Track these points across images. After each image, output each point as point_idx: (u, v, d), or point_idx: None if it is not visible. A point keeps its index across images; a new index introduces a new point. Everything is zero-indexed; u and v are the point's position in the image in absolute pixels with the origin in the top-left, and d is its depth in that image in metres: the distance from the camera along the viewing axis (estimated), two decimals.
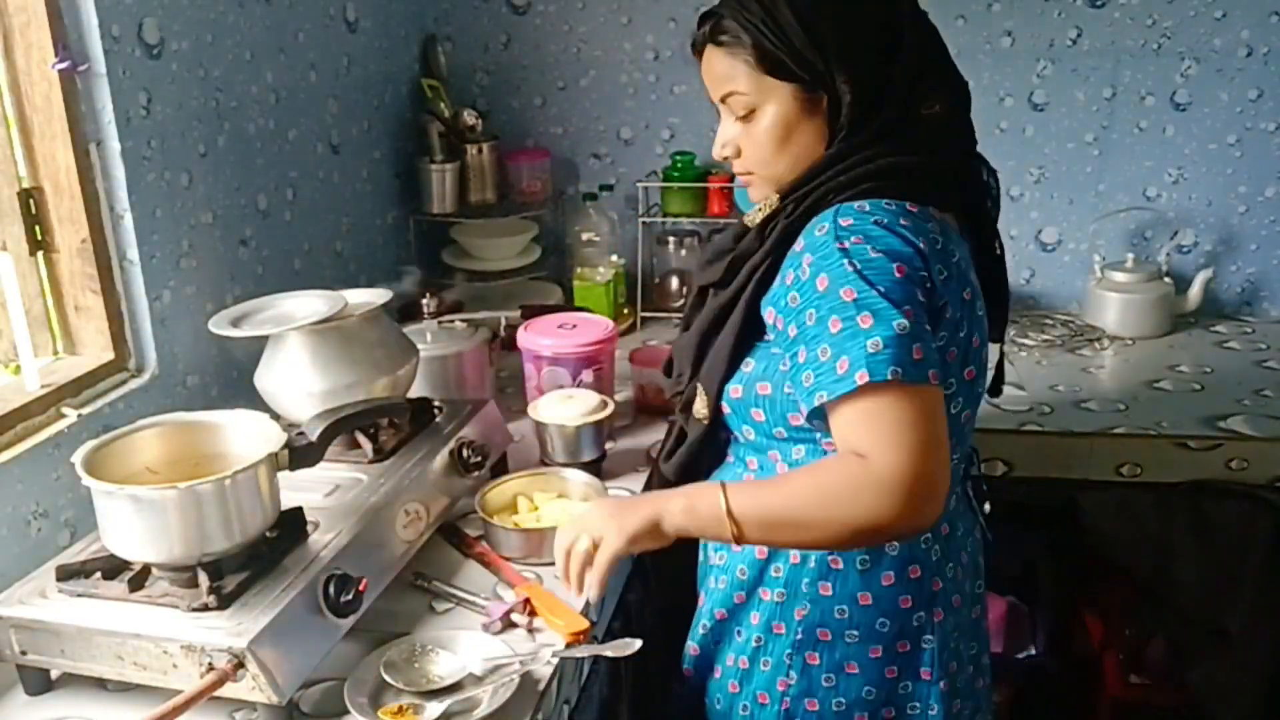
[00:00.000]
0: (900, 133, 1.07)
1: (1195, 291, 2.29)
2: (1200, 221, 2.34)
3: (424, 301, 1.79)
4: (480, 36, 2.43)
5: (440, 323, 1.76)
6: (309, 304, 1.42)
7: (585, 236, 2.35)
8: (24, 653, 1.09)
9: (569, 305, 2.24)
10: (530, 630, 1.23)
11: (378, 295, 1.48)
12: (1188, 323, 2.32)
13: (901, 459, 0.95)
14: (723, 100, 1.13)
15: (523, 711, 1.10)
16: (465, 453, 1.44)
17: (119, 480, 1.09)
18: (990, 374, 1.24)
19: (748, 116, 1.11)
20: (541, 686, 1.13)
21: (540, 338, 1.73)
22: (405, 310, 1.92)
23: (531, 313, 1.88)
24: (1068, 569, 2.06)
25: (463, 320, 1.79)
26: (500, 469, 1.55)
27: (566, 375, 1.70)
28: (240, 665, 1.01)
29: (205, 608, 1.06)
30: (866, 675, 1.17)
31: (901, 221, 1.03)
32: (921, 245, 1.02)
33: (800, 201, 1.09)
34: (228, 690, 1.02)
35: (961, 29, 2.28)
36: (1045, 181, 2.36)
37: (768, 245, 1.11)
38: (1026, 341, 2.24)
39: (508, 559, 1.37)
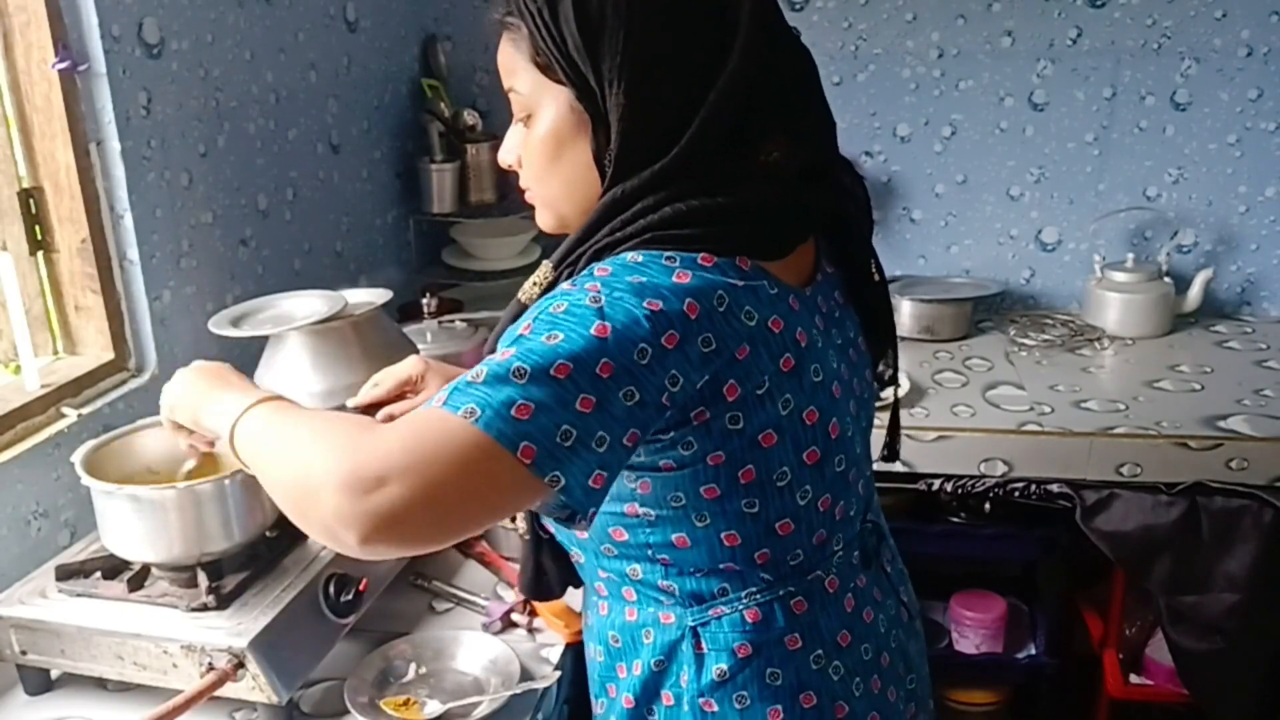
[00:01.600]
0: (701, 176, 0.86)
1: (1195, 291, 2.28)
2: (1200, 221, 2.34)
3: (424, 301, 1.79)
4: (480, 36, 2.42)
5: (440, 323, 1.76)
6: (309, 304, 1.43)
7: None
8: (24, 653, 1.10)
9: None
10: (530, 630, 1.23)
11: (378, 295, 1.49)
12: (1188, 323, 2.32)
13: (392, 454, 0.74)
14: (507, 95, 0.95)
15: (523, 711, 1.10)
16: None
17: (119, 480, 1.09)
18: (874, 436, 1.07)
19: (527, 120, 0.93)
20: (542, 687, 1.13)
21: None
22: (405, 310, 1.92)
23: None
24: (1068, 569, 2.06)
25: (463, 320, 1.79)
26: None
27: None
28: (240, 665, 1.01)
29: (205, 607, 1.06)
30: None
31: (676, 276, 0.82)
32: (685, 309, 0.81)
33: (574, 267, 0.89)
34: (228, 690, 1.02)
35: (961, 29, 2.28)
36: (1045, 181, 2.36)
37: None
38: (1026, 341, 2.24)
39: (508, 559, 1.37)
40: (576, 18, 0.85)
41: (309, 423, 0.83)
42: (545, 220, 0.98)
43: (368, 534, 0.74)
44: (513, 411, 0.75)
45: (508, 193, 2.37)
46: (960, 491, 1.88)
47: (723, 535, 0.92)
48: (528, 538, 1.04)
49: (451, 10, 2.40)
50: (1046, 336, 2.25)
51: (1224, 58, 2.22)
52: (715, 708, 0.96)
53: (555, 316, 0.80)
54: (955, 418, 1.89)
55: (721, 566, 0.94)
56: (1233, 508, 1.76)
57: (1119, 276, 2.28)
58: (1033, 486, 1.85)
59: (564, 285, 0.84)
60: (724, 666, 0.96)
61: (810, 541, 0.96)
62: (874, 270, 1.04)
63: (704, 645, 0.96)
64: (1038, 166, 2.35)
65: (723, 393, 0.84)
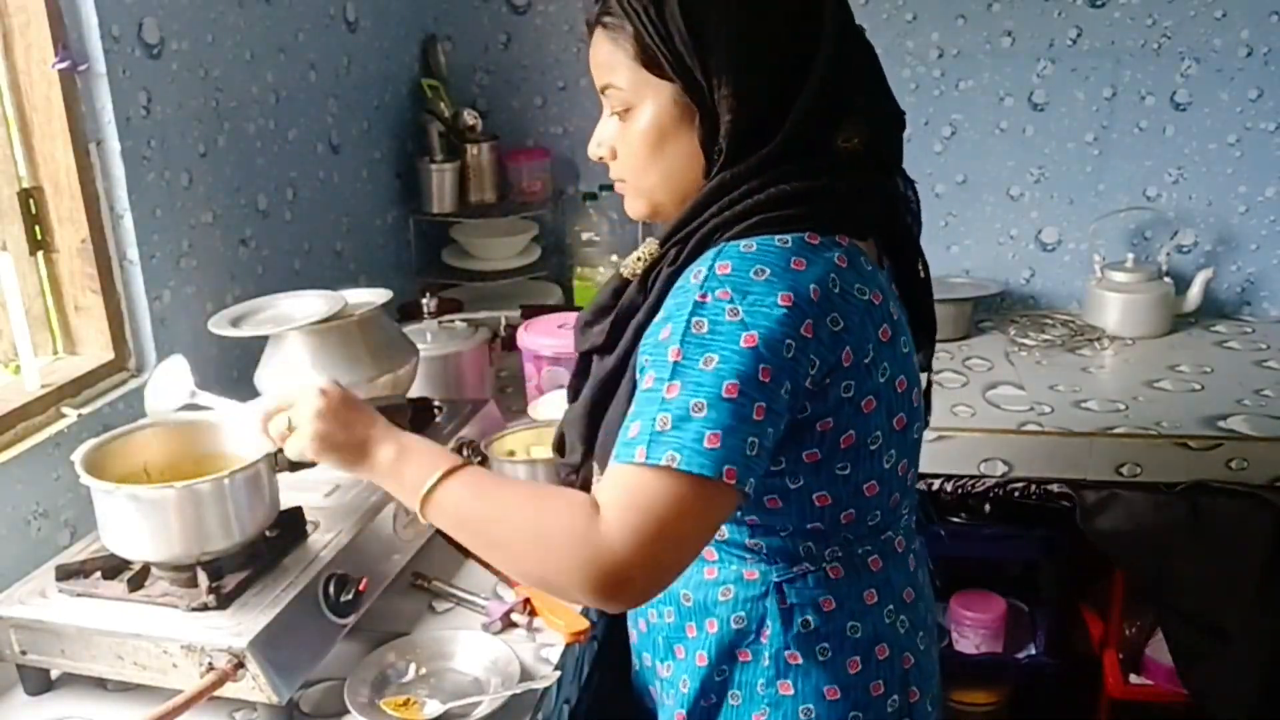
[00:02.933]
0: (798, 160, 0.92)
1: (1195, 291, 2.28)
2: (1200, 221, 2.34)
3: (424, 301, 1.79)
4: (480, 36, 2.43)
5: (440, 323, 1.76)
6: (309, 304, 1.43)
7: (585, 236, 2.35)
8: (24, 653, 1.10)
9: (569, 305, 2.24)
10: (530, 630, 1.23)
11: (378, 295, 1.49)
12: (1188, 323, 2.32)
13: (628, 546, 0.82)
14: (603, 91, 0.99)
15: (523, 711, 1.10)
16: (466, 453, 1.44)
17: (119, 480, 1.09)
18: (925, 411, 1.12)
19: (625, 114, 0.98)
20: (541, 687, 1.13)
21: (540, 338, 1.73)
22: (405, 310, 1.92)
23: (531, 313, 1.88)
24: (1068, 569, 2.06)
25: (463, 320, 1.79)
26: None
27: (566, 375, 1.69)
28: (240, 665, 1.01)
29: (205, 607, 1.06)
30: None
31: (793, 263, 0.88)
32: (811, 294, 0.87)
33: (683, 245, 0.94)
34: (228, 690, 1.02)
35: (961, 29, 2.28)
36: (1045, 181, 2.36)
37: (651, 299, 0.96)
38: (1026, 341, 2.24)
39: None
40: (683, 15, 0.90)
41: (521, 511, 0.90)
42: (638, 208, 1.03)
43: (625, 608, 0.90)
44: (705, 444, 0.83)
45: (507, 193, 2.38)
46: (960, 491, 1.88)
47: (815, 496, 0.97)
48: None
49: (451, 10, 2.40)
50: (1046, 336, 2.25)
51: (1224, 58, 2.22)
52: (800, 660, 1.02)
53: (702, 338, 0.85)
54: (955, 418, 1.89)
55: (809, 526, 0.99)
56: (1233, 508, 1.76)
57: (1119, 276, 2.28)
58: (1033, 486, 1.85)
59: (691, 284, 0.88)
60: (810, 619, 1.01)
61: (888, 503, 1.02)
62: (920, 268, 1.09)
63: (789, 600, 1.01)
64: (1038, 166, 2.35)
65: (841, 361, 0.90)
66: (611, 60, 0.96)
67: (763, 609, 1.02)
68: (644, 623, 1.14)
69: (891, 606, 1.04)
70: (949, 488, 1.88)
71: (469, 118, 2.27)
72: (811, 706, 1.03)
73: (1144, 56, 2.24)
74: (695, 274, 0.90)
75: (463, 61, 2.43)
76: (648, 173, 0.99)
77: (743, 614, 1.03)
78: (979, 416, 1.90)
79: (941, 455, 1.85)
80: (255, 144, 1.72)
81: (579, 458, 1.05)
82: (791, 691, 1.03)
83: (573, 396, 1.08)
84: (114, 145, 1.40)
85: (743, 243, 0.90)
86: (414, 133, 2.29)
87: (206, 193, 1.60)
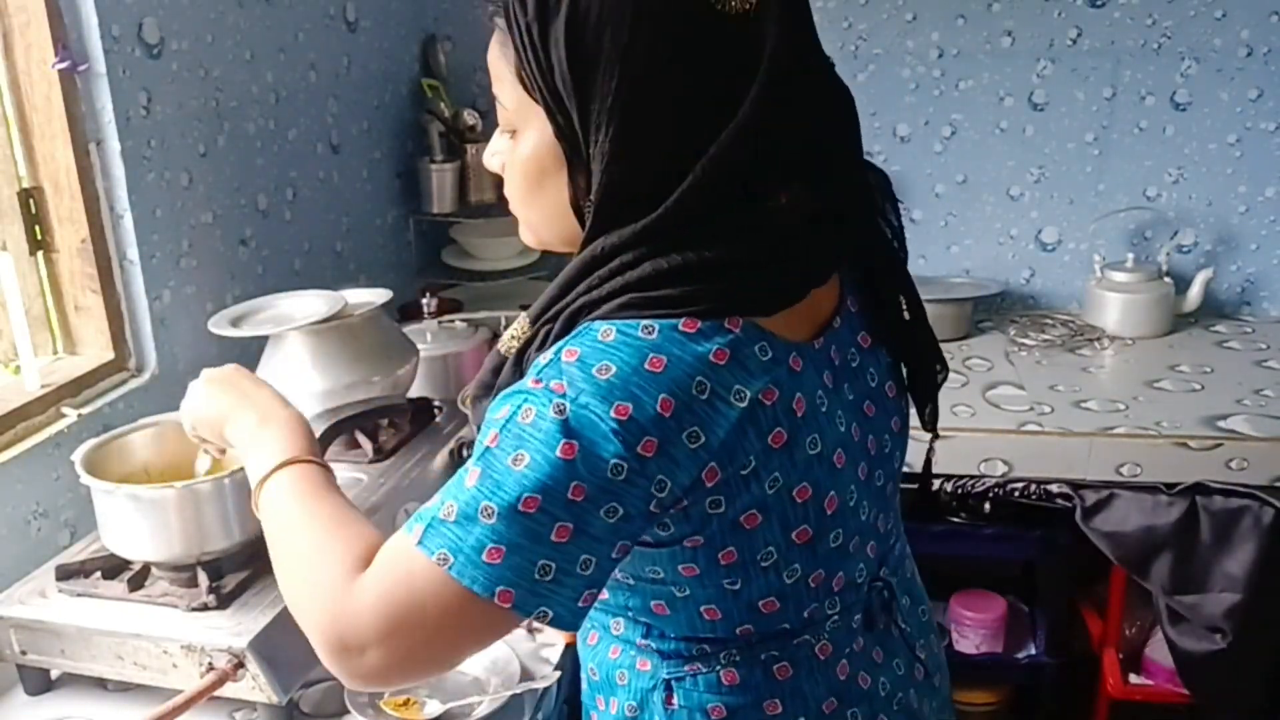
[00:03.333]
0: (699, 227, 0.76)
1: (1195, 291, 2.28)
2: (1200, 221, 2.34)
3: (424, 301, 1.79)
4: (480, 36, 2.39)
5: (440, 323, 1.76)
6: (309, 304, 1.43)
7: None
8: (24, 653, 1.10)
9: None
10: (530, 630, 1.23)
11: (378, 295, 1.49)
12: (1188, 323, 2.32)
13: (372, 622, 0.75)
14: (496, 100, 0.86)
15: (523, 711, 1.10)
16: (465, 453, 1.44)
17: (119, 480, 1.09)
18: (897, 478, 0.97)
19: (512, 135, 0.84)
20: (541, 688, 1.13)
21: None
22: (405, 310, 1.92)
23: None
24: (1068, 569, 2.06)
25: (463, 320, 1.79)
26: None
27: None
28: (240, 665, 1.01)
29: (205, 607, 1.06)
30: None
31: (649, 363, 0.72)
32: (659, 409, 0.72)
33: (552, 324, 0.79)
34: (228, 690, 1.02)
35: (961, 29, 2.28)
36: (1045, 181, 2.36)
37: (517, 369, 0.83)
38: (1026, 341, 2.24)
39: None
40: (568, 43, 0.74)
41: (308, 538, 0.83)
42: (526, 237, 0.91)
43: (354, 683, 0.80)
44: (484, 556, 0.72)
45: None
46: (960, 491, 1.88)
47: (702, 609, 0.86)
48: None
49: (451, 10, 2.40)
50: (1046, 336, 2.25)
51: (1224, 58, 2.22)
52: None
53: (522, 429, 0.73)
54: (955, 418, 1.89)
55: (701, 636, 0.88)
56: (1233, 508, 1.76)
57: (1119, 276, 2.28)
58: (1033, 486, 1.85)
59: (538, 363, 0.76)
60: None
61: (800, 615, 0.87)
62: (905, 308, 0.93)
63: (675, 701, 0.89)
64: (1038, 166, 2.35)
65: (702, 479, 0.76)
66: (499, 71, 0.83)
67: (652, 705, 0.91)
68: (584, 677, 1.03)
69: (802, 719, 0.89)
70: (949, 488, 1.88)
71: (469, 118, 2.27)
72: None
73: (1144, 56, 2.24)
74: (545, 355, 0.77)
75: (463, 61, 2.42)
76: (529, 207, 0.86)
77: (634, 703, 0.92)
78: (979, 416, 1.90)
79: (941, 455, 1.85)
80: (255, 144, 1.72)
81: None
82: None
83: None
84: (114, 145, 1.40)
85: (603, 327, 0.75)
86: (414, 133, 2.29)
87: (206, 193, 1.60)
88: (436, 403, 1.53)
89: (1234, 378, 2.04)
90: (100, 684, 1.13)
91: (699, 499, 0.77)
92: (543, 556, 0.73)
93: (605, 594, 0.89)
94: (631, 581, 0.87)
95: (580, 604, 0.75)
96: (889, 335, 0.92)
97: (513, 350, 0.82)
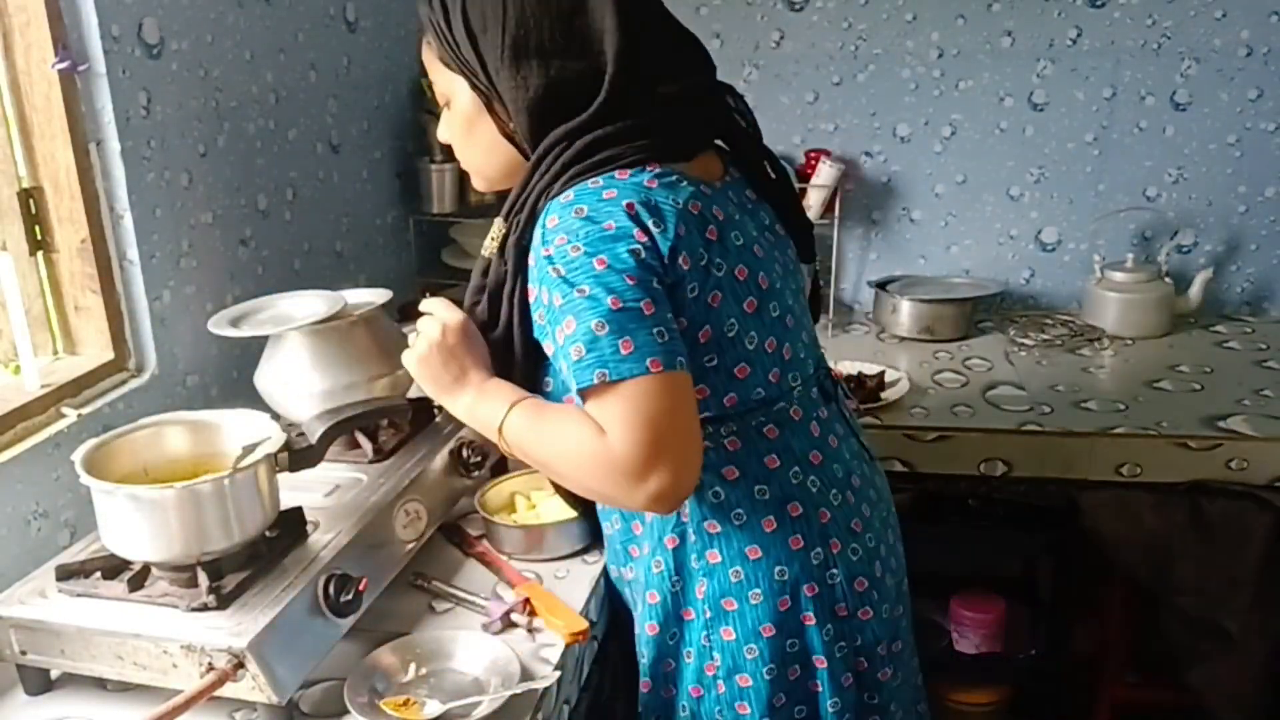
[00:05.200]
0: (612, 119, 1.06)
1: (1195, 291, 2.29)
2: (1200, 221, 2.34)
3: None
4: None
5: None
6: (309, 304, 1.43)
7: None
8: (24, 653, 1.09)
9: None
10: (530, 630, 1.23)
11: (378, 295, 1.49)
12: (1188, 323, 2.32)
13: (631, 449, 0.96)
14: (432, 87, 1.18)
15: (523, 711, 1.10)
16: (465, 453, 1.44)
17: (119, 480, 1.09)
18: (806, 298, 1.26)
19: (447, 105, 1.16)
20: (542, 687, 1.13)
21: None
22: (405, 310, 1.92)
23: None
24: (1068, 569, 2.06)
25: None
26: (500, 469, 1.55)
27: None
28: (240, 665, 1.01)
29: (205, 607, 1.06)
30: (782, 631, 1.15)
31: (605, 195, 1.02)
32: (626, 211, 1.00)
33: (519, 214, 1.09)
34: (228, 690, 1.02)
35: (961, 29, 2.28)
36: (1045, 181, 2.36)
37: (510, 265, 1.10)
38: (1026, 341, 2.24)
39: (509, 555, 1.37)
40: (464, 22, 1.07)
41: (557, 441, 1.04)
42: (477, 183, 1.21)
43: (663, 505, 1.00)
44: (621, 351, 0.96)
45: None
46: (960, 491, 1.88)
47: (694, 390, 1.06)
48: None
49: None
50: (1046, 336, 2.26)
51: (1224, 58, 2.22)
52: (719, 528, 1.14)
53: (565, 279, 0.99)
54: (955, 418, 1.89)
55: (700, 415, 1.06)
56: (1233, 508, 1.76)
57: (1119, 276, 2.28)
58: (1033, 486, 1.85)
59: (535, 247, 1.03)
60: (719, 489, 1.13)
61: (767, 379, 1.12)
62: (770, 171, 1.22)
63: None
64: (1038, 166, 2.35)
65: (679, 263, 1.02)
66: (428, 61, 1.15)
67: None
68: (604, 538, 1.31)
69: (797, 469, 1.14)
70: (949, 488, 1.88)
71: None
72: (739, 568, 1.14)
73: (1144, 56, 2.24)
74: (535, 238, 1.04)
75: None
76: (470, 152, 1.17)
77: None
78: (979, 416, 1.90)
79: (942, 455, 1.85)
80: (255, 144, 1.72)
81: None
82: (719, 559, 1.15)
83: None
84: (114, 145, 1.40)
85: (561, 196, 1.03)
86: (414, 133, 2.29)
87: (206, 193, 1.60)
88: (436, 403, 1.52)
89: (1234, 378, 2.04)
90: (100, 684, 1.13)
91: (682, 285, 1.03)
92: (652, 326, 0.98)
93: None
94: None
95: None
96: (764, 192, 1.21)
97: (493, 250, 1.12)
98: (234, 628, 1.03)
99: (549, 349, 1.06)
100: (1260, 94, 2.23)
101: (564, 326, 0.99)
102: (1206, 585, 1.79)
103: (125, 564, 1.12)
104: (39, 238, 1.40)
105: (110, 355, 1.46)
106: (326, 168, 1.97)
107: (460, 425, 1.47)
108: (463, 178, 2.27)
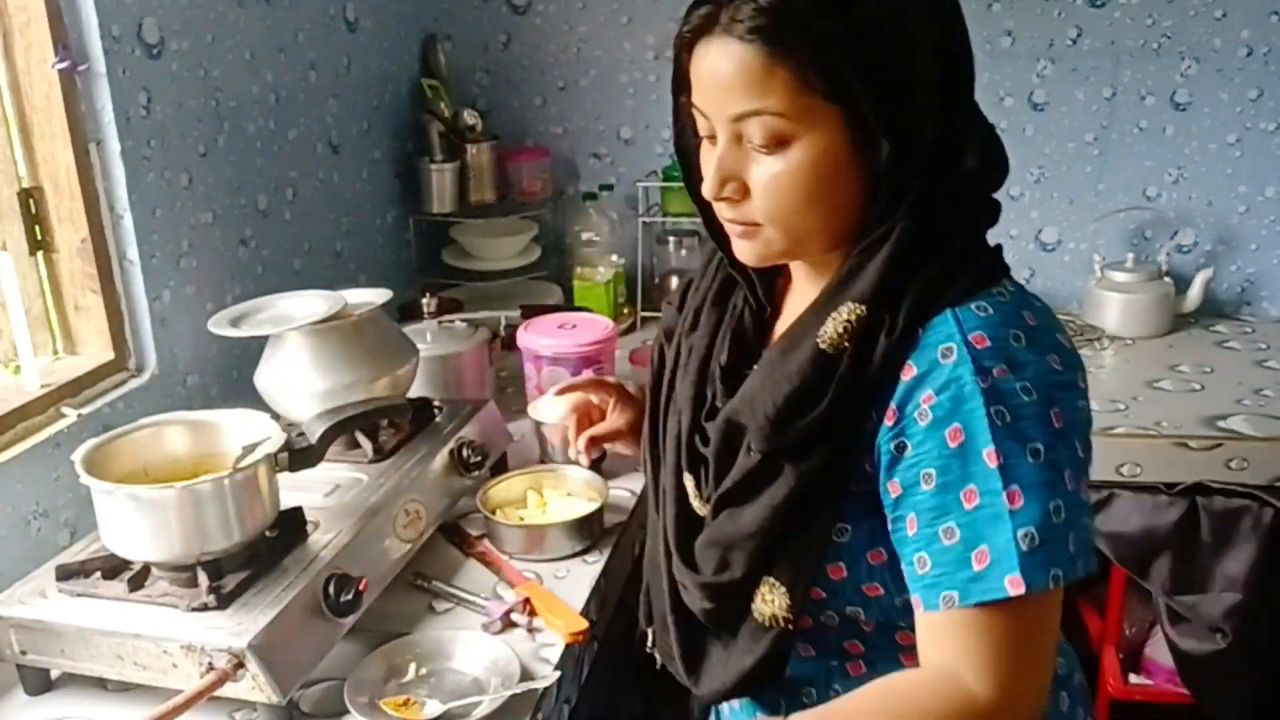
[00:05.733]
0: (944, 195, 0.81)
1: (1195, 291, 2.28)
2: (1200, 221, 2.34)
3: (424, 301, 1.79)
4: (480, 36, 2.42)
5: (440, 323, 1.76)
6: (309, 304, 1.43)
7: (585, 236, 2.35)
8: (24, 653, 1.09)
9: (569, 305, 2.24)
10: (530, 630, 1.23)
11: (378, 295, 1.49)
12: (1188, 323, 2.32)
13: (1022, 699, 0.74)
14: (738, 119, 0.79)
15: (523, 711, 1.10)
16: (465, 453, 1.44)
17: (119, 480, 1.09)
18: None
19: (773, 148, 0.79)
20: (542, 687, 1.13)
21: (540, 338, 1.73)
22: (405, 310, 1.92)
23: (531, 312, 1.88)
24: None
25: (463, 320, 1.79)
26: (500, 469, 1.55)
27: (566, 375, 1.70)
28: (240, 665, 1.01)
29: (205, 607, 1.06)
30: None
31: (1027, 318, 0.78)
32: (1064, 343, 0.78)
33: (895, 307, 0.79)
34: (228, 690, 1.02)
35: None
36: (1045, 181, 2.36)
37: (873, 375, 0.79)
38: None
39: (509, 554, 1.37)
40: (888, 22, 0.76)
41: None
42: (766, 252, 0.85)
43: None
44: (1079, 547, 0.74)
45: (508, 193, 2.37)
46: None
47: None
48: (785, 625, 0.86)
49: (451, 10, 2.40)
50: None
51: (1224, 58, 2.21)
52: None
53: (1014, 429, 0.74)
54: None
55: None
56: (1233, 508, 1.76)
57: (1119, 276, 2.28)
58: None
59: (950, 367, 0.76)
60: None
61: None
62: None
63: None
64: (1038, 166, 2.35)
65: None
66: (766, 81, 0.77)
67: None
68: None
69: None
70: None
71: (469, 118, 2.27)
72: None
73: (1144, 56, 2.24)
74: (944, 352, 0.76)
75: (463, 61, 2.43)
76: (810, 214, 0.81)
77: None
78: None
79: None
80: (255, 144, 1.72)
81: (738, 575, 0.87)
82: None
83: (736, 498, 0.87)
84: (114, 145, 1.40)
85: (974, 305, 0.78)
86: (414, 133, 2.29)
87: (206, 193, 1.60)
88: (436, 403, 1.53)
89: (1234, 378, 2.04)
90: (100, 684, 1.13)
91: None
92: (1086, 518, 0.75)
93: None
94: None
95: None
96: None
97: (839, 343, 0.79)
98: (234, 628, 1.03)
99: (894, 490, 0.79)
100: (1260, 94, 2.23)
101: (1003, 497, 0.72)
102: (1206, 585, 1.79)
103: (125, 564, 1.12)
104: (39, 238, 1.40)
105: (110, 355, 1.46)
106: (326, 168, 1.97)
107: (461, 425, 1.48)
108: (463, 178, 2.27)
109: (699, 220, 0.96)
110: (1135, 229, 2.37)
